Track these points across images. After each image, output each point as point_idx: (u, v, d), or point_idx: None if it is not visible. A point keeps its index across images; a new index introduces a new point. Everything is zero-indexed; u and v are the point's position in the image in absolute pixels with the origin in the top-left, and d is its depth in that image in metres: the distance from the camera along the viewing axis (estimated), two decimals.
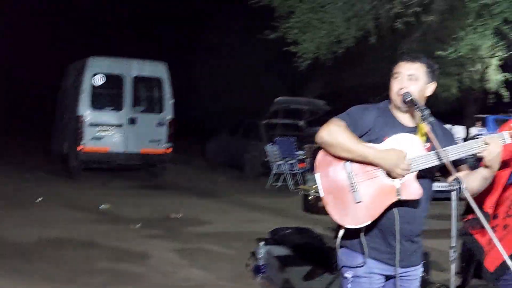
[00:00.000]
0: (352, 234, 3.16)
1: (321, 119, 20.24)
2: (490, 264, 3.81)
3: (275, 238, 7.06)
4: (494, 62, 22.56)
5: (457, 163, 3.15)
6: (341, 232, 3.17)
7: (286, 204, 12.29)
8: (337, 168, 3.15)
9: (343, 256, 3.23)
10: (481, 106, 24.94)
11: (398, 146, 3.14)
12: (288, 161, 15.02)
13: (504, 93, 24.21)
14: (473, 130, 23.75)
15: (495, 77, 23.86)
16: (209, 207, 11.59)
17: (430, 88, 3.30)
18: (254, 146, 16.58)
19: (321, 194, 3.16)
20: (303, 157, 15.96)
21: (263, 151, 15.72)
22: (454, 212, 2.86)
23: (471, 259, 2.78)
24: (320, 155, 3.19)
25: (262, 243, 6.70)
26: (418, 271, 3.36)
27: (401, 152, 3.08)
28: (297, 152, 15.67)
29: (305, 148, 16.38)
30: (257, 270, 6.59)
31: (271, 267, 6.48)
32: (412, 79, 3.23)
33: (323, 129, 3.14)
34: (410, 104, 3.18)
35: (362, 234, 3.15)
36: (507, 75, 23.31)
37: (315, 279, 6.14)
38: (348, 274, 3.23)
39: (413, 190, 3.12)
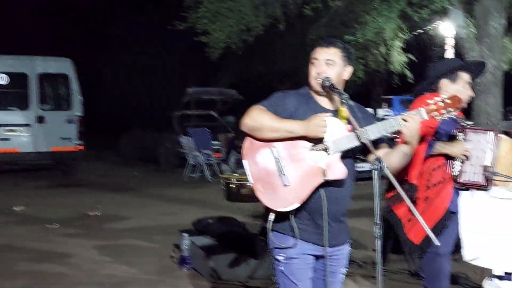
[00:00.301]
0: (282, 217, 3.22)
1: (234, 109, 20.46)
2: (414, 237, 3.98)
3: (198, 228, 7.08)
4: (397, 43, 23.29)
5: (377, 142, 3.25)
6: (272, 216, 3.23)
7: (205, 195, 12.29)
8: (264, 154, 3.22)
9: (275, 239, 3.28)
10: (387, 87, 25.73)
11: None
12: (203, 152, 15.00)
13: (408, 74, 25.09)
14: (380, 112, 24.51)
15: (398, 59, 24.67)
16: (126, 202, 11.44)
17: (347, 72, 3.40)
18: (168, 138, 16.45)
19: (251, 181, 3.21)
20: (219, 147, 16.02)
21: (178, 143, 15.66)
22: (376, 191, 2.96)
23: (388, 235, 2.92)
24: (247, 142, 3.25)
25: (185, 234, 6.70)
26: (345, 249, 3.46)
27: (318, 115, 3.16)
28: (212, 142, 15.70)
29: (220, 138, 16.46)
30: (183, 261, 6.59)
31: (197, 258, 6.50)
32: (329, 64, 3.31)
33: (245, 117, 3.21)
34: (329, 89, 3.27)
35: (292, 217, 3.22)
36: (410, 56, 24.17)
37: (240, 265, 6.22)
38: (280, 257, 3.29)
39: (338, 170, 3.21)
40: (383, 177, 3.07)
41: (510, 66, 16.75)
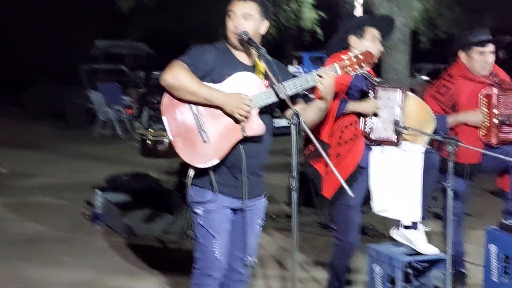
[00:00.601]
0: (201, 172, 3.26)
1: (145, 63, 20.14)
2: (327, 192, 4.11)
3: (111, 185, 6.99)
4: (308, 0, 23.45)
5: (293, 98, 3.30)
6: (191, 172, 3.26)
7: (117, 152, 12.13)
8: (184, 110, 3.20)
9: (194, 193, 3.31)
10: (297, 44, 25.96)
11: (238, 85, 3.24)
12: (114, 107, 14.72)
13: (319, 31, 25.39)
14: (291, 68, 24.76)
15: (309, 16, 24.89)
16: (34, 159, 11.11)
17: (264, 26, 3.42)
18: (76, 93, 16.00)
19: (170, 137, 3.20)
20: (130, 103, 15.75)
21: (87, 98, 15.25)
22: (294, 145, 3.01)
23: (300, 189, 3.03)
24: (166, 98, 3.22)
25: (98, 191, 6.62)
26: (262, 201, 3.55)
27: (242, 95, 3.19)
28: (123, 98, 15.40)
29: (131, 93, 16.16)
30: (95, 218, 6.52)
31: (110, 214, 6.45)
32: (246, 18, 3.32)
33: (167, 73, 3.16)
34: (247, 43, 3.28)
35: (211, 172, 3.26)
36: (321, 13, 24.42)
37: (155, 221, 6.23)
38: (199, 210, 3.33)
39: (256, 126, 3.25)
40: (300, 132, 3.14)
41: (416, 24, 17.28)
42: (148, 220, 6.22)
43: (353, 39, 4.11)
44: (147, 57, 18.68)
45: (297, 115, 3.01)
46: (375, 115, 4.06)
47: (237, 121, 3.21)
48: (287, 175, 8.18)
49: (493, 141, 4.52)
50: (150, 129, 11.65)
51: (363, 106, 4.05)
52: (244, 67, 3.33)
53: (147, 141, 11.05)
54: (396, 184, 4.12)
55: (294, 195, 3.09)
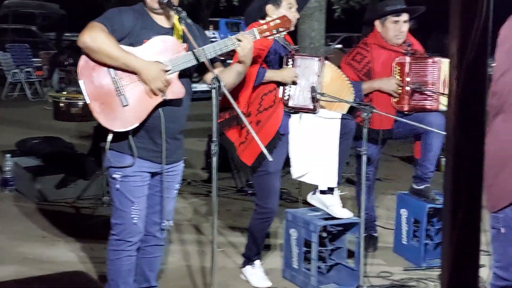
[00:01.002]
0: (120, 136, 3.20)
1: (56, 24, 19.47)
2: (247, 159, 4.12)
3: (22, 149, 6.77)
4: None
5: (212, 62, 3.29)
6: (110, 137, 3.19)
7: (27, 115, 11.70)
8: (101, 73, 3.13)
9: (112, 158, 3.25)
10: (213, 10, 25.74)
11: (157, 48, 3.19)
12: (23, 69, 14.19)
13: None
14: (207, 33, 24.56)
15: None
16: None
17: None
18: None
19: (87, 101, 3.12)
20: (40, 65, 15.23)
21: None
22: (214, 109, 3.01)
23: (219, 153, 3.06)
24: (82, 60, 3.13)
25: (8, 155, 6.39)
26: (180, 166, 3.55)
27: (161, 66, 3.16)
28: (32, 59, 14.87)
29: (41, 55, 15.62)
30: (5, 183, 6.30)
31: (21, 179, 6.25)
32: None
33: (85, 34, 3.07)
34: (166, 5, 3.22)
35: (130, 136, 3.21)
36: None
37: (68, 186, 6.10)
38: (117, 175, 3.28)
39: (176, 89, 3.22)
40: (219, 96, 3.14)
41: None
42: (60, 185, 6.08)
43: (269, 8, 4.11)
44: (58, 18, 18.02)
45: (217, 78, 3.02)
46: (294, 83, 4.10)
47: None
48: (204, 140, 8.24)
49: (405, 108, 4.65)
50: (63, 92, 11.34)
51: (282, 74, 4.08)
52: (163, 30, 3.28)
53: (60, 104, 10.75)
54: (313, 151, 4.18)
55: (214, 159, 3.09)
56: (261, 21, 3.37)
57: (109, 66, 3.12)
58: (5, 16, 16.51)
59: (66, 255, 4.74)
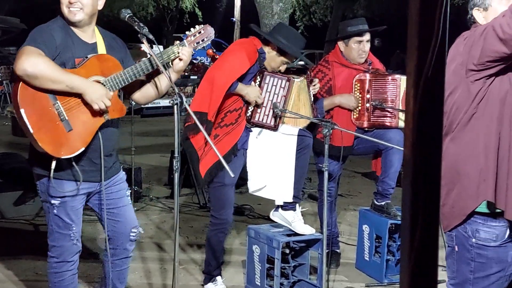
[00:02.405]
0: (61, 163, 3.13)
1: (16, 38, 19.21)
2: (202, 170, 4.14)
3: None
4: None
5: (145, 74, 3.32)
6: (54, 164, 3.09)
7: None
8: (42, 99, 3.03)
9: (55, 185, 3.17)
10: (177, 25, 25.80)
11: (95, 67, 3.16)
12: None
13: (198, 12, 25.35)
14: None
15: None
16: None
17: (102, 1, 3.32)
18: None
19: (31, 131, 3.00)
20: (0, 80, 14.98)
21: None
22: (177, 125, 3.00)
23: (180, 170, 3.05)
24: (21, 89, 2.99)
25: None
26: (121, 174, 3.52)
27: (104, 86, 3.14)
28: None
29: (1, 70, 15.37)
30: None
31: None
32: None
33: (24, 61, 2.92)
34: (128, 21, 3.21)
35: (73, 162, 3.15)
36: None
37: (26, 203, 5.99)
38: (56, 201, 3.22)
39: (117, 108, 3.24)
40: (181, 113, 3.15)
41: (293, 10, 17.66)
42: (18, 202, 5.97)
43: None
44: (19, 32, 17.78)
45: (179, 94, 3.01)
46: (257, 104, 4.14)
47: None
48: (167, 156, 8.19)
49: (365, 124, 4.70)
50: None
51: (247, 90, 4.11)
52: (88, 46, 3.25)
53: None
54: (270, 166, 4.22)
55: (176, 175, 3.08)
56: (187, 32, 3.44)
57: (50, 91, 3.02)
58: None
59: (23, 273, 4.64)
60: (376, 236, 4.75)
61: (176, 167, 3.04)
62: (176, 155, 3.01)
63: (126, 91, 3.49)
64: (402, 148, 4.26)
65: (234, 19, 25.50)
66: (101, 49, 3.27)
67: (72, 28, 3.20)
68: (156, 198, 6.78)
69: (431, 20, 0.91)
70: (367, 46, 4.71)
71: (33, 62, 2.92)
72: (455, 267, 2.76)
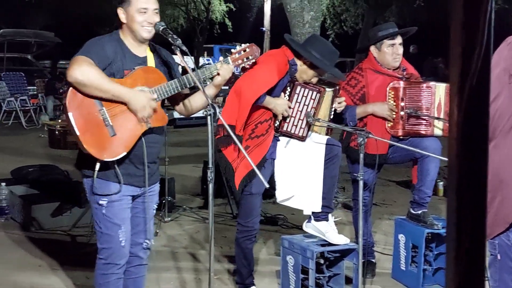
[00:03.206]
0: (105, 165, 3.29)
1: (51, 52, 19.54)
2: (236, 181, 4.15)
3: (17, 177, 6.74)
4: None
5: (184, 87, 3.40)
6: (98, 166, 3.26)
7: (22, 143, 11.68)
8: (89, 105, 3.19)
9: (99, 186, 3.32)
10: (208, 36, 25.92)
11: (141, 78, 3.30)
12: (19, 97, 14.20)
13: (228, 23, 25.45)
14: (202, 60, 24.71)
15: (219, 8, 24.91)
16: None
17: None
18: None
19: (77, 133, 3.16)
20: (35, 93, 15.26)
21: None
22: (210, 136, 3.03)
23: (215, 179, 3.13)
24: (70, 94, 3.16)
25: (3, 183, 6.35)
26: (157, 186, 3.67)
27: (148, 95, 3.26)
28: (28, 88, 14.90)
29: (37, 83, 15.66)
30: (1, 212, 6.26)
31: (16, 208, 6.21)
32: (156, 13, 3.37)
33: (75, 69, 3.10)
34: (162, 33, 3.30)
35: (115, 165, 3.30)
36: (231, 5, 24.44)
37: (63, 214, 6.06)
38: (103, 201, 3.35)
39: (161, 118, 3.38)
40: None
41: (324, 18, 17.62)
42: (55, 214, 6.04)
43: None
44: (53, 46, 18.08)
45: (212, 105, 3.04)
46: (283, 116, 4.14)
47: None
48: (199, 166, 8.21)
49: (400, 133, 4.65)
50: (58, 120, 11.33)
51: (276, 102, 4.12)
52: (139, 59, 3.38)
53: (56, 132, 10.74)
54: (298, 175, 4.21)
55: (210, 186, 3.10)
56: (232, 50, 3.51)
57: (97, 98, 3.18)
58: (0, 45, 16.55)
59: (62, 284, 4.69)
60: (413, 245, 4.69)
61: (210, 177, 3.06)
62: (210, 165, 3.03)
63: (171, 102, 3.62)
64: (439, 157, 4.27)
65: (264, 28, 25.53)
66: (151, 63, 3.42)
67: (126, 42, 3.36)
68: (190, 209, 6.80)
69: (475, 26, 0.89)
70: (400, 49, 4.67)
71: (83, 71, 3.09)
72: (497, 276, 2.70)
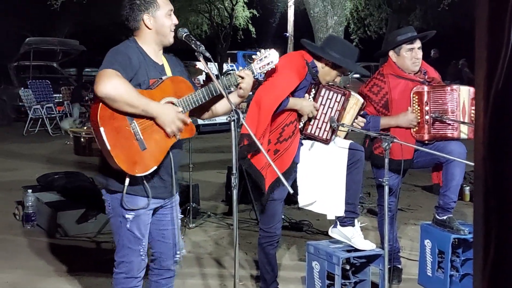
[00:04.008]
0: (135, 180, 3.21)
1: (76, 60, 19.76)
2: (266, 187, 4.11)
3: (43, 184, 6.81)
4: None
5: (211, 94, 3.33)
6: (127, 181, 3.18)
7: (48, 150, 11.82)
8: (120, 119, 3.12)
9: (127, 201, 3.24)
10: (231, 42, 26.01)
11: (168, 88, 3.25)
12: (45, 105, 14.36)
13: (252, 29, 25.51)
14: (225, 66, 24.79)
15: (242, 14, 24.97)
16: None
17: None
18: (4, 90, 15.58)
19: (108, 148, 3.08)
20: (61, 100, 15.43)
21: (16, 95, 14.86)
22: (234, 141, 3.02)
23: (239, 185, 3.09)
24: (101, 108, 3.08)
25: (29, 190, 6.42)
26: (177, 196, 3.59)
27: (176, 108, 3.21)
28: (53, 95, 15.08)
29: (62, 90, 15.84)
30: (27, 218, 6.32)
31: (42, 214, 6.27)
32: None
33: (105, 83, 2.99)
34: (185, 40, 3.26)
35: (143, 179, 3.23)
36: (254, 11, 24.50)
37: (89, 221, 6.10)
38: (130, 215, 3.28)
39: (188, 129, 3.30)
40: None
41: (347, 23, 17.59)
42: (81, 220, 6.08)
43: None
44: (78, 54, 18.27)
45: (236, 111, 3.02)
46: (309, 117, 4.12)
47: None
48: (223, 172, 8.23)
49: (425, 137, 4.61)
50: (84, 127, 11.43)
51: (302, 104, 4.09)
52: (159, 67, 3.34)
53: (81, 139, 10.83)
54: (321, 179, 4.18)
55: (235, 192, 3.08)
56: (254, 57, 3.47)
57: (126, 113, 3.12)
58: (27, 53, 16.76)
59: None
60: (439, 251, 4.64)
61: (235, 183, 3.05)
62: (234, 171, 3.02)
63: (196, 114, 3.55)
64: (465, 161, 4.22)
65: (287, 34, 25.56)
66: (167, 70, 3.37)
67: (146, 50, 3.30)
68: (214, 215, 6.81)
69: (500, 29, 0.88)
70: (420, 53, 4.63)
71: (113, 86, 3.00)
72: None
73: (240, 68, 3.48)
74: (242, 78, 3.37)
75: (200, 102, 3.29)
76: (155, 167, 3.20)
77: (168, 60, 3.42)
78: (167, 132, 3.19)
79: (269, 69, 3.51)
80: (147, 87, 3.21)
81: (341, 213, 4.18)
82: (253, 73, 3.41)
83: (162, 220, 3.47)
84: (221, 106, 3.50)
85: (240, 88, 3.39)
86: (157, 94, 3.19)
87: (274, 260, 4.38)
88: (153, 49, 3.31)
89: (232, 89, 3.50)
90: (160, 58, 3.36)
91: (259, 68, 3.45)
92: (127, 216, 3.28)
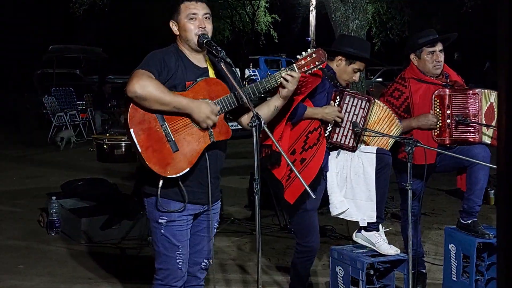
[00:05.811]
0: (169, 182, 3.17)
1: (99, 67, 19.94)
2: (290, 197, 4.04)
3: (67, 191, 6.86)
4: (263, 3, 23.49)
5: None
6: (161, 183, 3.15)
7: (71, 157, 11.92)
8: (151, 120, 3.10)
9: (162, 204, 3.21)
10: (253, 47, 26.01)
11: (203, 90, 3.21)
12: (68, 112, 14.50)
13: (273, 34, 25.52)
14: (247, 72, 24.83)
15: (264, 19, 25.00)
16: None
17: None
18: (29, 98, 15.77)
19: (139, 149, 3.07)
20: (84, 107, 15.55)
21: (40, 103, 15.03)
22: (256, 147, 3.00)
23: (261, 190, 3.03)
24: (131, 110, 3.08)
25: (53, 197, 6.47)
26: (219, 204, 3.53)
27: (211, 104, 3.17)
28: (77, 102, 15.22)
29: (85, 98, 15.97)
30: (51, 225, 6.38)
31: (66, 221, 6.32)
32: (207, 18, 3.30)
33: (134, 83, 3.00)
34: (206, 45, 3.24)
35: (180, 182, 3.18)
36: (276, 16, 24.53)
37: (113, 227, 6.13)
38: (162, 220, 3.24)
39: (223, 131, 3.25)
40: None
41: (369, 26, 17.51)
42: (105, 226, 6.11)
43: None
44: (101, 61, 18.44)
45: (257, 116, 3.00)
46: (336, 123, 4.07)
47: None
48: (246, 178, 8.23)
49: (447, 141, 4.56)
50: (106, 134, 11.51)
51: (324, 112, 4.03)
52: (200, 70, 3.30)
53: (104, 146, 10.91)
54: (351, 187, 4.13)
55: (257, 198, 3.05)
56: (298, 56, 3.39)
57: (158, 113, 3.10)
58: (50, 61, 16.95)
59: None
60: (464, 255, 4.59)
61: (257, 189, 3.03)
62: (256, 177, 3.00)
63: (233, 116, 3.48)
64: (489, 164, 4.17)
65: (309, 38, 25.52)
66: (211, 73, 3.33)
67: (186, 53, 3.29)
68: (237, 220, 6.81)
69: None
70: (441, 56, 4.59)
71: (142, 84, 3.00)
72: None
73: (282, 68, 3.37)
74: (287, 81, 3.30)
75: (235, 105, 3.24)
76: (187, 169, 3.14)
77: (215, 65, 3.35)
78: (202, 127, 3.13)
79: (315, 69, 3.43)
80: (183, 89, 3.18)
81: (373, 219, 4.13)
82: (295, 72, 3.32)
83: (198, 225, 3.41)
84: (259, 111, 3.37)
85: (284, 87, 3.31)
86: (190, 95, 3.16)
87: (308, 273, 4.31)
88: (189, 52, 3.30)
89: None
90: (202, 61, 3.33)
91: (304, 68, 3.36)
92: (160, 220, 3.24)
